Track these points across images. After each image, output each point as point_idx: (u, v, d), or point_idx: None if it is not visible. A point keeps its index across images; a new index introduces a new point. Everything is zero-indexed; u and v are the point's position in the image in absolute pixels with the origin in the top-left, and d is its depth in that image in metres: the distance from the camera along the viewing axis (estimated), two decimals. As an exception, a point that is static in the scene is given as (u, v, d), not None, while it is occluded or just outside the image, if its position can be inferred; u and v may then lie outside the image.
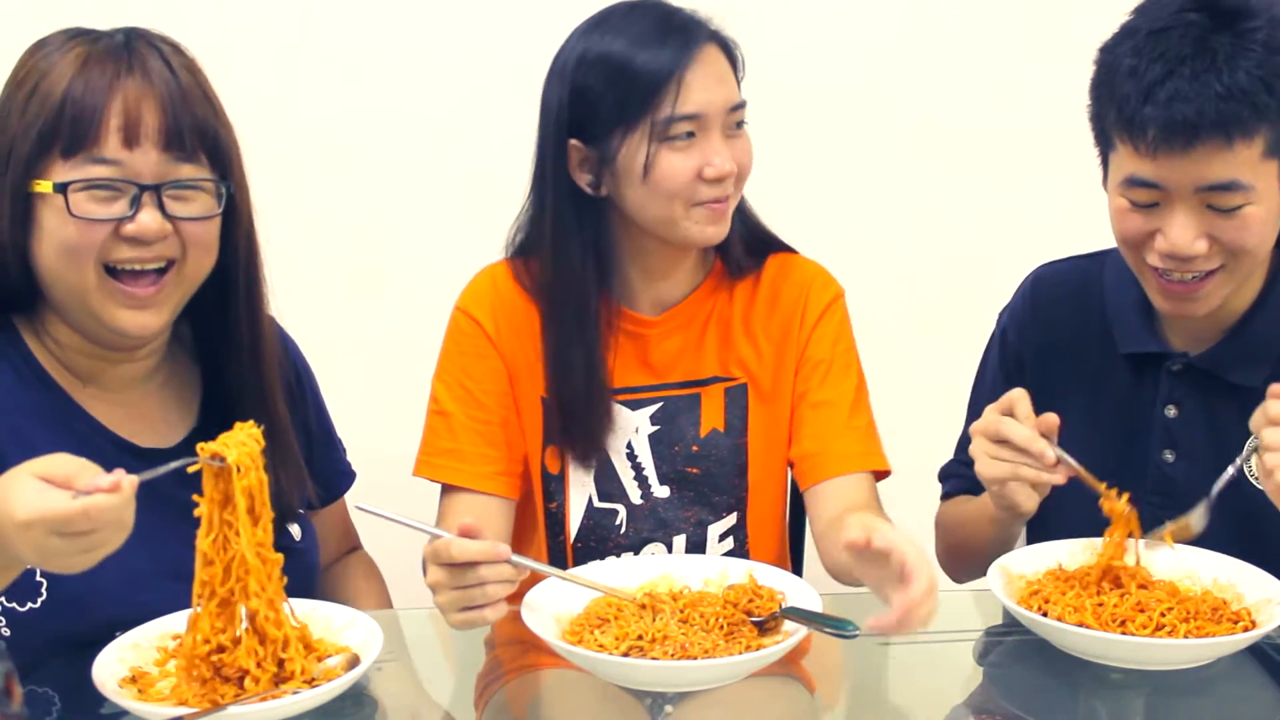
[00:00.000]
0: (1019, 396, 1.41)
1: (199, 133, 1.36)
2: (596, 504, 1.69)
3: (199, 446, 1.19)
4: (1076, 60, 1.53)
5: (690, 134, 1.56)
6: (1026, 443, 1.39)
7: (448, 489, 1.66)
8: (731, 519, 1.71)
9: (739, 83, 1.62)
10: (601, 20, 1.60)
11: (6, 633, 1.34)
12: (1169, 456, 1.55)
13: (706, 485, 1.69)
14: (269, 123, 1.74)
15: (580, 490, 1.69)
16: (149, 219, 1.33)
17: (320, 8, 2.36)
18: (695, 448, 1.69)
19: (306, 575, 1.54)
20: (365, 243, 2.42)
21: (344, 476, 1.72)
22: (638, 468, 1.69)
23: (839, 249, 1.82)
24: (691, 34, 1.57)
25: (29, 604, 1.34)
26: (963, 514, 1.67)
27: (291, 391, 1.58)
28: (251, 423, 1.22)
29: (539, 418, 1.68)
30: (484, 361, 1.68)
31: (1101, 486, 1.43)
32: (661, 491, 1.69)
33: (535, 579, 1.40)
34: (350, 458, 1.75)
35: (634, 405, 1.69)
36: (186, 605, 1.22)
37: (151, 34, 1.40)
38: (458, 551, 1.27)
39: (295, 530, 1.53)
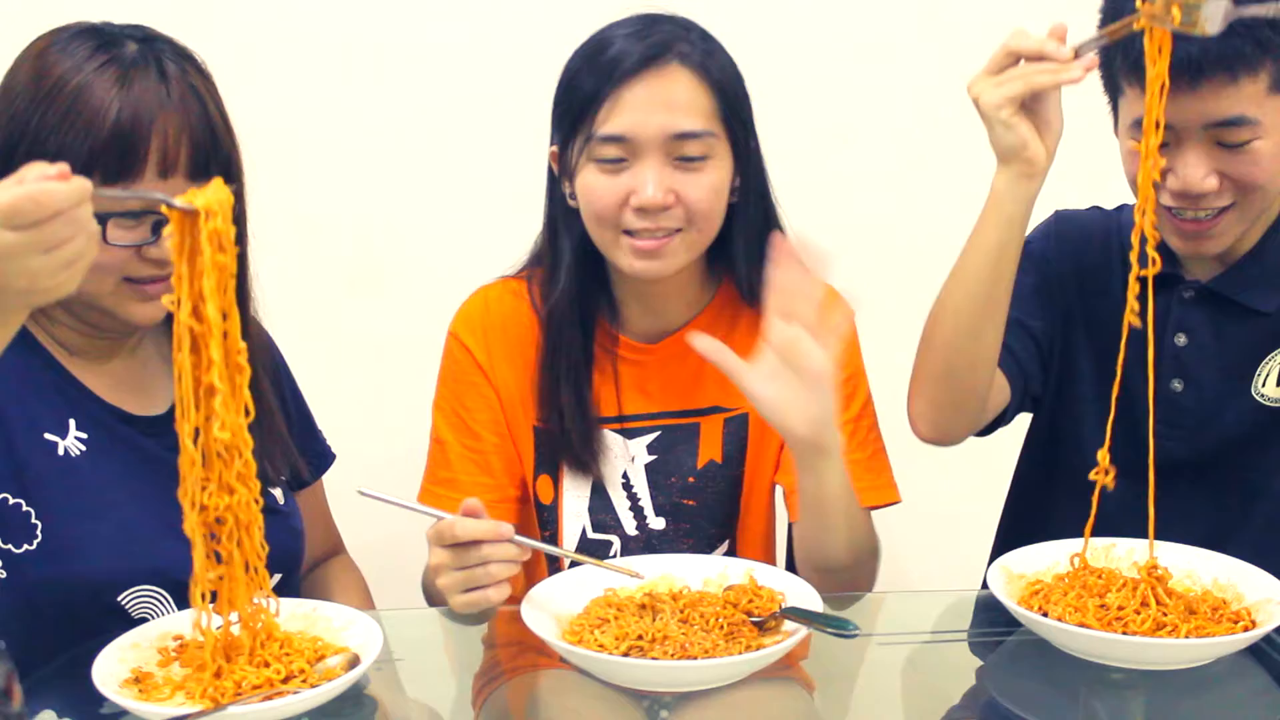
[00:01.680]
0: (1018, 29, 1.37)
1: (220, 160, 1.38)
2: (590, 535, 1.66)
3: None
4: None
5: (620, 158, 1.49)
6: (1039, 45, 1.35)
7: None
8: (723, 546, 1.69)
9: (722, 112, 1.52)
10: (604, 27, 1.56)
11: (2, 574, 1.38)
12: (1177, 385, 1.57)
13: (703, 516, 1.66)
14: (268, 122, 1.74)
15: (574, 521, 1.66)
16: (171, 245, 1.34)
17: (320, 7, 2.36)
18: (692, 479, 1.66)
19: (292, 540, 1.58)
20: (365, 243, 2.42)
21: (323, 457, 1.74)
22: (633, 498, 1.66)
23: (843, 252, 1.81)
24: (649, 48, 1.49)
25: (24, 545, 1.39)
26: (956, 262, 1.54)
27: (273, 376, 1.61)
28: (220, 179, 1.20)
29: (531, 447, 1.66)
30: (475, 389, 1.65)
31: (1131, 23, 1.37)
32: (657, 523, 1.66)
33: (537, 577, 1.40)
34: (348, 457, 1.75)
35: (631, 434, 1.65)
36: (178, 562, 1.21)
37: (166, 43, 1.41)
38: (461, 530, 1.27)
39: (278, 494, 1.57)
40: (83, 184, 1.05)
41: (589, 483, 1.65)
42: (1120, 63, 1.46)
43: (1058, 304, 1.66)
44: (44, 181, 1.03)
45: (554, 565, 1.68)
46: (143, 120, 1.34)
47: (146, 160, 1.33)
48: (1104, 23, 1.52)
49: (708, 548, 1.67)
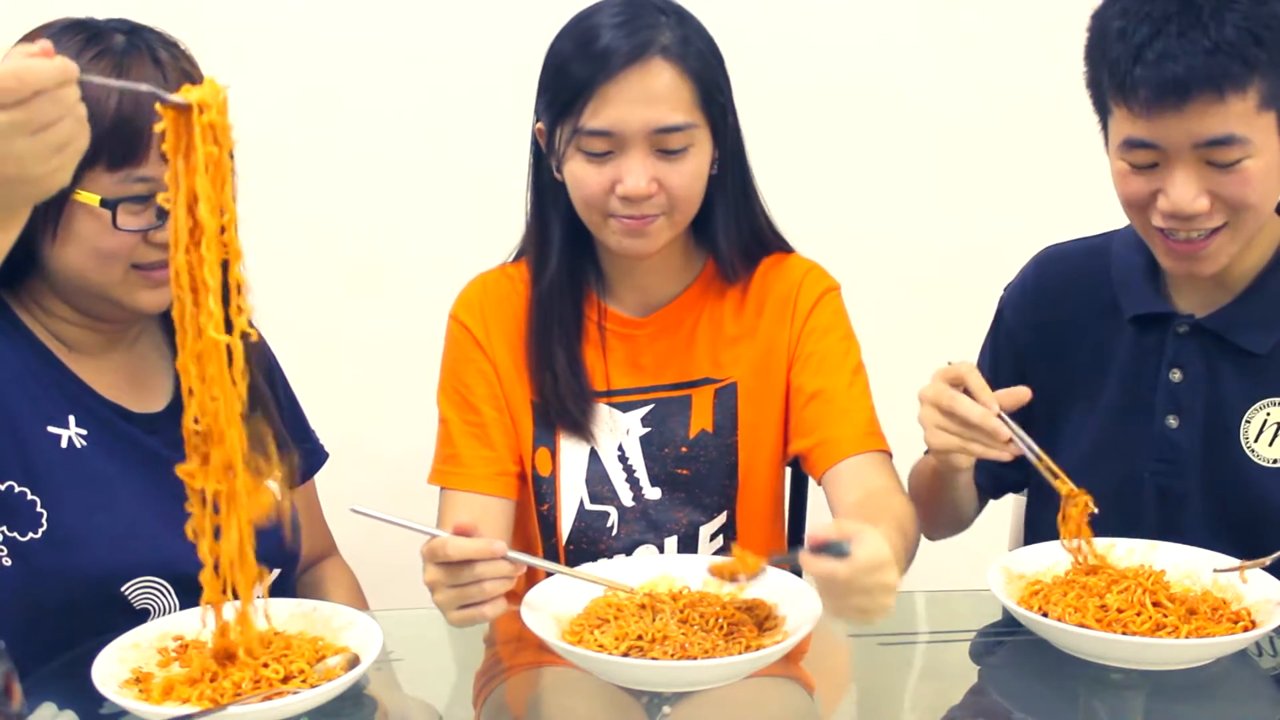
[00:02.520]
0: (969, 370, 1.42)
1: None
2: (588, 506, 1.68)
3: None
4: (1074, 55, 1.53)
5: (607, 151, 1.53)
6: (981, 420, 1.39)
7: (446, 491, 1.66)
8: (721, 518, 1.70)
9: (702, 100, 1.55)
10: (587, 8, 1.58)
11: (8, 562, 1.39)
12: (1172, 422, 1.55)
13: (697, 486, 1.68)
14: (267, 123, 1.74)
15: (572, 493, 1.68)
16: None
17: (318, 6, 2.36)
18: (684, 449, 1.68)
19: (290, 536, 1.57)
20: (364, 243, 2.42)
21: (316, 455, 1.75)
22: (629, 469, 1.68)
23: (838, 245, 1.82)
24: (634, 45, 1.51)
25: (30, 534, 1.40)
26: (916, 467, 1.73)
27: (266, 375, 1.61)
28: (213, 78, 1.18)
29: (529, 421, 1.68)
30: (472, 365, 1.68)
31: (1060, 480, 1.44)
32: (653, 493, 1.68)
33: (537, 577, 1.40)
34: (345, 458, 1.75)
35: (625, 407, 1.68)
36: (181, 554, 1.22)
37: (151, 32, 1.43)
38: (454, 550, 1.27)
39: (274, 488, 1.55)
40: (66, 63, 1.02)
41: (585, 454, 1.68)
42: (1107, 82, 1.44)
43: (1019, 358, 1.68)
44: (28, 60, 1.00)
45: (550, 558, 1.69)
46: (143, 107, 1.33)
47: (149, 146, 1.35)
48: (1090, 90, 1.51)
49: (705, 518, 1.69)
